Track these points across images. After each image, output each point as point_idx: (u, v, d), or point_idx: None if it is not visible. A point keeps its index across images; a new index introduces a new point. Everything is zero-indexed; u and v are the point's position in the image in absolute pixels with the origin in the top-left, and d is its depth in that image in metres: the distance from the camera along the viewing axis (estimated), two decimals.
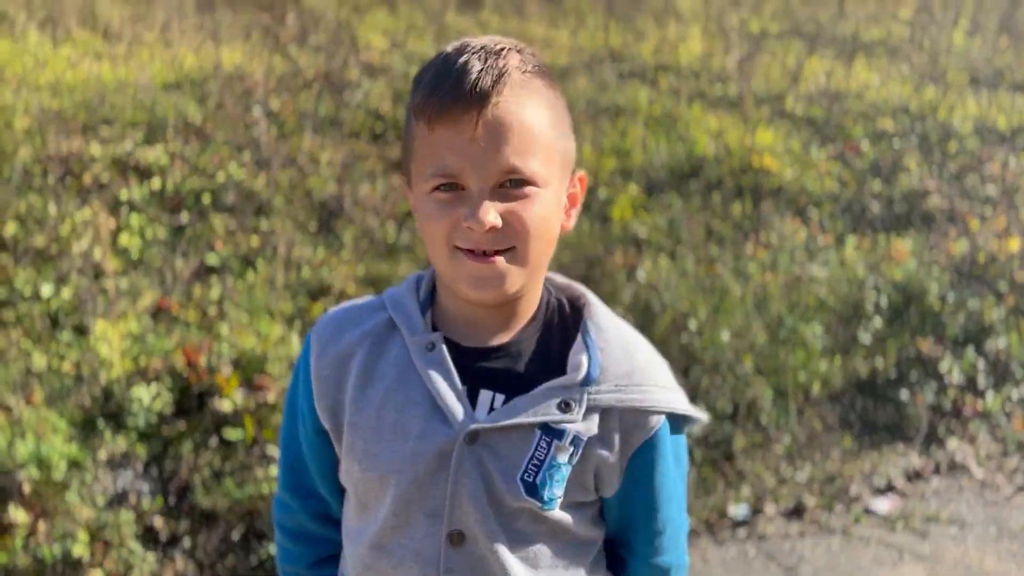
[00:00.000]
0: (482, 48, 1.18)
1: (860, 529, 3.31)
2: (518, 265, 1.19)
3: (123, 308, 3.68)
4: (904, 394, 3.93)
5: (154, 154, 4.96)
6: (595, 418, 1.23)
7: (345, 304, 1.36)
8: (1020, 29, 8.81)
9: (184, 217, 4.54)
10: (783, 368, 3.90)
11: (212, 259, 4.25)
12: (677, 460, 1.31)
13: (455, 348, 1.25)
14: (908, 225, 5.25)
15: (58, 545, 2.50)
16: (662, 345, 3.87)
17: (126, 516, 2.63)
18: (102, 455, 2.84)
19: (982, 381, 4.02)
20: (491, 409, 1.24)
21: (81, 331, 3.59)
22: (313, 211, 4.78)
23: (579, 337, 1.28)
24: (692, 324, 3.99)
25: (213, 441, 3.06)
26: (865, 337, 4.17)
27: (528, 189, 1.17)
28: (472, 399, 1.24)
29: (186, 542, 2.80)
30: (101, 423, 2.99)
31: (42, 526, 2.53)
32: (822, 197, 5.40)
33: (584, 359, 1.24)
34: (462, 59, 1.16)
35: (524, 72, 1.18)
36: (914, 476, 3.63)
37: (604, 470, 1.26)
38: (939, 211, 5.35)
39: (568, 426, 1.22)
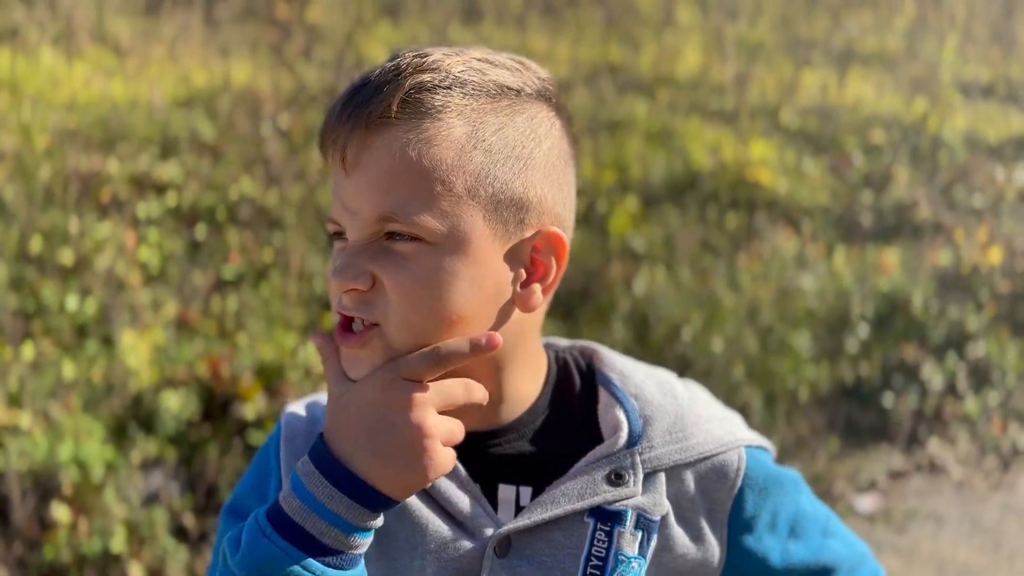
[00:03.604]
0: (415, 56, 0.90)
1: None
2: (383, 352, 0.89)
3: (147, 320, 3.88)
4: (888, 398, 4.13)
5: (169, 171, 5.16)
6: (659, 485, 0.96)
7: (314, 396, 1.10)
8: (1011, 39, 9.00)
9: (200, 232, 4.74)
10: (773, 374, 4.10)
11: (228, 272, 4.45)
12: (780, 483, 1.03)
13: None
14: (896, 235, 5.45)
15: (98, 541, 2.70)
16: (658, 353, 4.09)
17: (159, 514, 2.84)
18: (135, 458, 3.05)
19: (962, 386, 4.23)
20: (518, 508, 0.95)
21: (107, 342, 3.79)
22: (323, 225, 4.99)
23: (603, 391, 1.01)
24: (686, 333, 4.19)
25: (237, 444, 3.26)
26: (852, 344, 4.37)
27: (407, 247, 0.88)
28: (490, 498, 0.96)
29: (215, 538, 2.99)
30: (133, 428, 3.20)
31: (82, 524, 2.74)
32: (814, 209, 5.60)
33: (620, 414, 0.98)
34: (368, 72, 0.92)
35: (447, 87, 0.89)
36: (896, 476, 3.83)
37: (698, 548, 0.98)
38: (927, 222, 5.55)
39: (627, 503, 0.93)
